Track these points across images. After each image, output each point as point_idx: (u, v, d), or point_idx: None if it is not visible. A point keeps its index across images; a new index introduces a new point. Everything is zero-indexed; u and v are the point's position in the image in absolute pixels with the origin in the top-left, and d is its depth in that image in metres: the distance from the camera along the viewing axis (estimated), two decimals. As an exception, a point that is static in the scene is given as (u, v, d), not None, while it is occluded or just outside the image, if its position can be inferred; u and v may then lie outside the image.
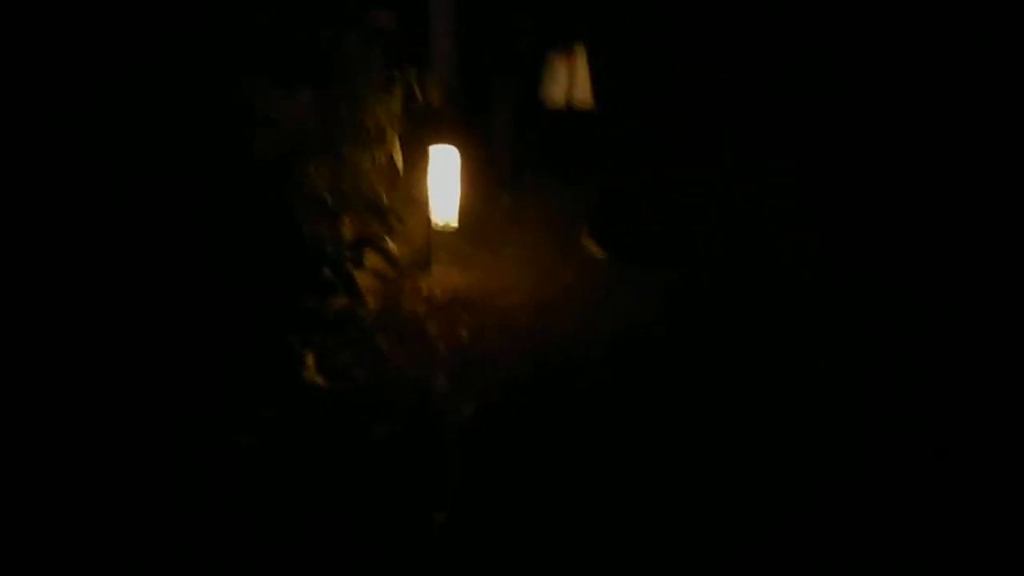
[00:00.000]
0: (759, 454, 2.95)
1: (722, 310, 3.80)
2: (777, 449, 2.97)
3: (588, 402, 3.23)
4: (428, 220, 3.93)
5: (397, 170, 3.71)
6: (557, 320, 3.75)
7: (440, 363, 3.38)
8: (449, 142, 3.94)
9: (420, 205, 4.01)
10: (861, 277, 3.84)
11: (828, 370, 3.33)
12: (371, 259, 2.95)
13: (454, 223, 3.87)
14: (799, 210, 4.24)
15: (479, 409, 3.11)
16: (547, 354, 3.51)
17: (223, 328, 2.43)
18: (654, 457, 2.96)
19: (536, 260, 4.14)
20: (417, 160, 3.99)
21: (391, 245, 3.09)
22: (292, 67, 3.41)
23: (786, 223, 4.15)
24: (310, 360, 2.61)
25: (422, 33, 4.11)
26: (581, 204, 4.44)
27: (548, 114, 4.51)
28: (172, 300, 2.43)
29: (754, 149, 4.57)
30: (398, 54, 3.98)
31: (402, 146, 3.83)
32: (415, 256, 3.99)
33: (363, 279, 3.33)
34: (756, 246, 4.02)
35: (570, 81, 4.38)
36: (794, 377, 3.32)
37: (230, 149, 2.59)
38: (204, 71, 2.64)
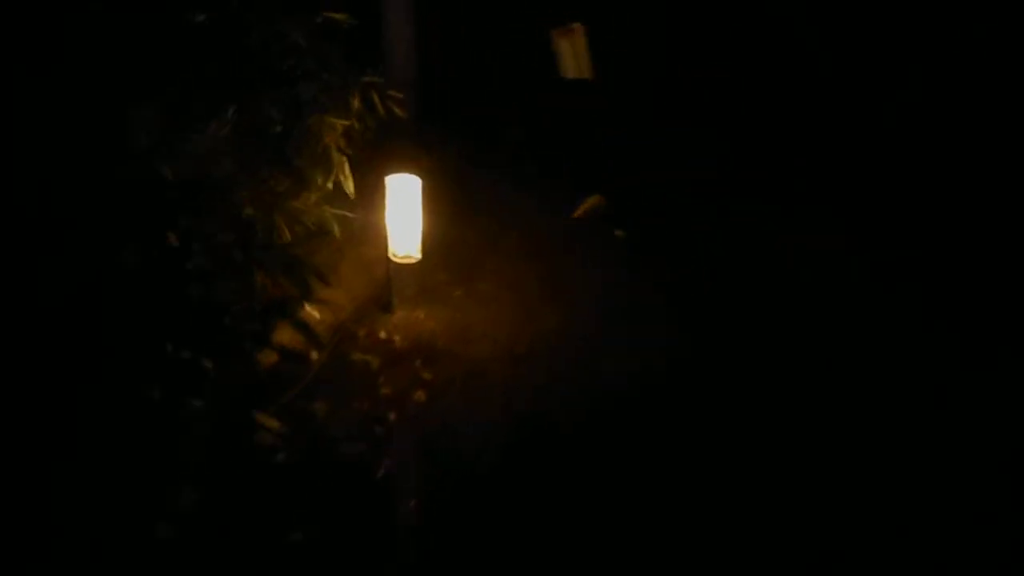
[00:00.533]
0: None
1: (729, 361, 3.23)
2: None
3: (566, 492, 2.68)
4: (387, 255, 3.35)
5: (348, 197, 3.15)
6: (535, 375, 3.19)
7: (388, 435, 2.84)
8: (411, 164, 3.36)
9: (378, 236, 3.44)
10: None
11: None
12: (283, 332, 2.38)
13: (416, 255, 3.29)
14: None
15: (428, 502, 2.58)
16: (520, 422, 2.96)
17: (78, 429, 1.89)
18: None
19: (516, 297, 3.56)
20: (375, 183, 3.41)
21: (311, 312, 2.52)
22: (211, 77, 2.85)
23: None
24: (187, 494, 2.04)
25: (374, 33, 3.49)
26: (571, 225, 3.87)
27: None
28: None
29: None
30: (351, 57, 3.40)
31: (355, 168, 3.27)
32: (374, 295, 3.44)
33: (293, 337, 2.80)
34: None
35: (575, 57, 4.18)
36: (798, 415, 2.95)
37: (103, 202, 2.03)
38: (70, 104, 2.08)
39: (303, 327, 2.39)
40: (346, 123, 3.21)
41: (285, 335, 2.57)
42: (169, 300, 2.08)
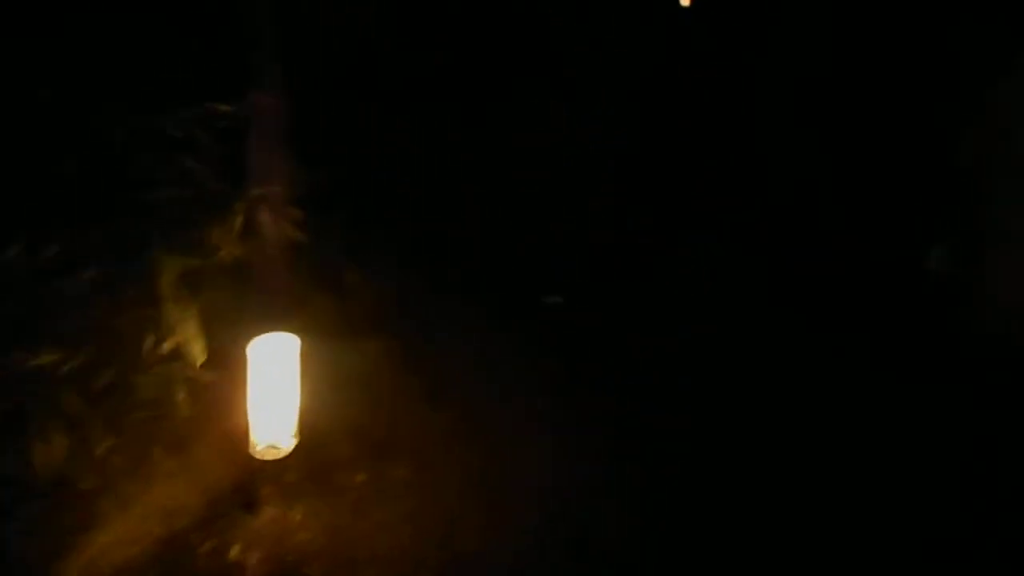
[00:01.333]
0: None
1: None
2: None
3: None
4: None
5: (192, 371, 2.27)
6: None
7: None
8: (294, 316, 2.48)
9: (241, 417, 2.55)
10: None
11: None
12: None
13: (285, 447, 2.39)
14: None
15: None
16: None
17: None
18: None
19: (440, 492, 2.63)
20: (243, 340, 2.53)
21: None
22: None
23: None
24: None
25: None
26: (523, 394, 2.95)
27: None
28: None
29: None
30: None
31: (221, 318, 2.40)
32: (238, 485, 2.53)
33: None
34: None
35: None
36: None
37: None
38: None
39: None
40: (203, 262, 2.37)
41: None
42: None
